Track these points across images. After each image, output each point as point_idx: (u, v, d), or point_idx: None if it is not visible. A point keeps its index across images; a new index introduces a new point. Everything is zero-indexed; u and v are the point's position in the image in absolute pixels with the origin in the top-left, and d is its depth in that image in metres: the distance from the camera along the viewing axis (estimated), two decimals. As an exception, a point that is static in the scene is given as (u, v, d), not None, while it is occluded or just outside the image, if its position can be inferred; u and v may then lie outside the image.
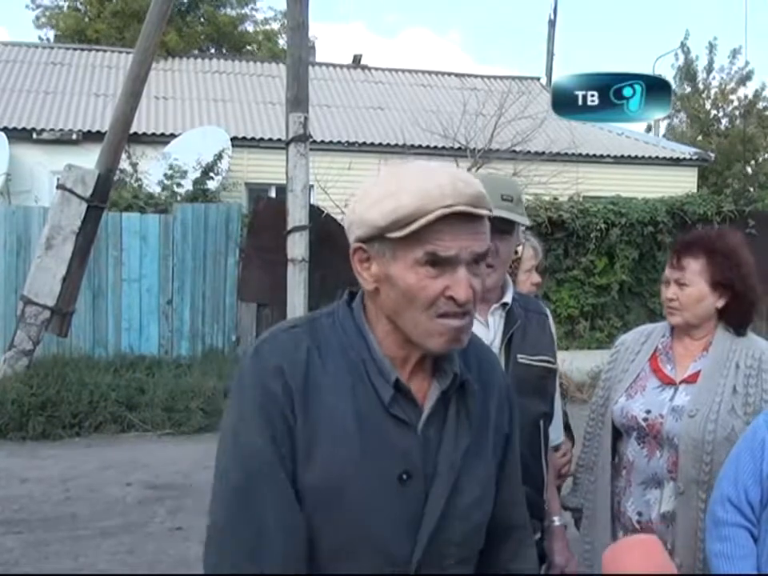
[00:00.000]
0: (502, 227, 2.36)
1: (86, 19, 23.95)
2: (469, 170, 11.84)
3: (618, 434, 2.82)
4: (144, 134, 15.07)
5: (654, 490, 2.68)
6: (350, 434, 1.49)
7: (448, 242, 1.46)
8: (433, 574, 1.53)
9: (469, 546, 1.61)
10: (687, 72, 25.02)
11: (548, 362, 2.50)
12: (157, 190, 12.73)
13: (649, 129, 23.04)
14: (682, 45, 25.13)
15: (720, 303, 2.71)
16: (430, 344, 1.52)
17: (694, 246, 2.73)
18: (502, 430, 1.69)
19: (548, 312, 2.66)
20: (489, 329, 2.44)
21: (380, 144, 15.91)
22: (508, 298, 2.49)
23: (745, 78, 24.49)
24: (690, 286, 2.70)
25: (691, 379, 2.71)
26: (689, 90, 25.15)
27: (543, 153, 14.91)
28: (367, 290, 1.57)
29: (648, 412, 2.70)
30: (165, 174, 12.78)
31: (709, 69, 24.95)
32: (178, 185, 12.69)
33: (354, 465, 1.48)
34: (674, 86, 24.01)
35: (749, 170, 23.57)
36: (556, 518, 2.69)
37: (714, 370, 2.68)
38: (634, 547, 1.61)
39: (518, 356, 2.42)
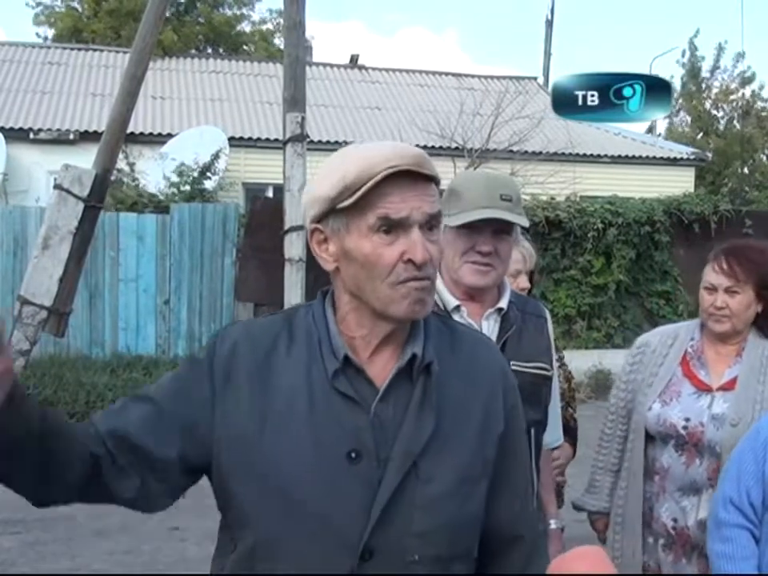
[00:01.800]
0: (501, 227, 2.34)
1: (83, 18, 23.93)
2: (466, 169, 11.84)
3: (649, 438, 2.80)
4: (141, 133, 15.07)
5: (692, 497, 2.67)
6: (300, 410, 1.50)
7: (398, 203, 1.48)
8: (394, 571, 1.49)
9: (439, 543, 1.53)
10: (692, 70, 25.04)
11: (543, 368, 2.45)
12: (155, 190, 12.73)
13: (650, 130, 23.07)
14: (690, 42, 25.14)
15: (759, 309, 2.75)
16: (394, 310, 1.51)
17: (744, 254, 2.74)
18: (494, 428, 1.63)
19: (547, 315, 2.60)
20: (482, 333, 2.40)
21: (377, 144, 15.89)
22: (503, 303, 2.43)
23: (746, 80, 24.53)
24: (742, 293, 2.71)
25: (728, 386, 2.71)
26: (692, 89, 25.18)
27: (540, 153, 14.93)
28: (330, 272, 1.58)
29: (687, 420, 2.69)
30: (174, 172, 12.76)
31: (713, 70, 25.00)
32: (186, 183, 12.70)
33: (301, 439, 1.49)
34: (678, 85, 24.10)
35: (746, 170, 23.60)
36: (552, 522, 2.67)
37: (750, 376, 2.69)
38: (581, 558, 1.61)
39: (512, 363, 2.31)
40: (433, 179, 1.54)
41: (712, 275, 2.76)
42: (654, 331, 3.02)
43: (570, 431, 3.34)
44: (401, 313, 1.52)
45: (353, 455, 1.49)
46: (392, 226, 1.48)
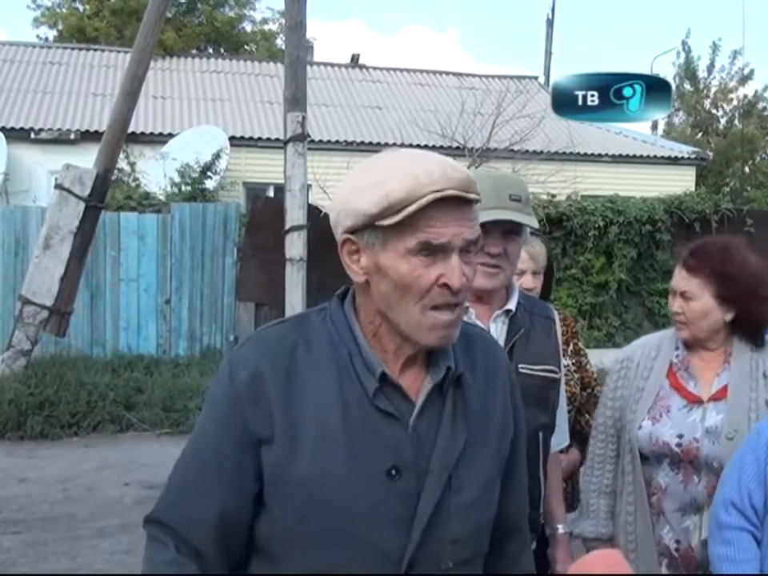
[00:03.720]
0: (510, 228, 2.31)
1: (86, 18, 23.92)
2: (468, 169, 11.82)
3: (644, 459, 2.64)
4: (142, 133, 15.07)
5: (693, 516, 2.53)
6: (336, 428, 1.47)
7: (439, 228, 1.44)
8: (430, 574, 1.51)
9: (468, 547, 1.56)
10: (687, 70, 25.01)
11: (551, 371, 2.41)
12: (155, 189, 12.73)
13: (654, 127, 23.05)
14: (683, 43, 25.14)
15: (729, 317, 2.57)
16: (420, 337, 1.49)
17: (699, 259, 2.59)
18: (509, 429, 1.66)
19: (555, 317, 2.54)
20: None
21: (378, 143, 15.89)
22: (512, 305, 2.39)
23: (746, 78, 24.50)
24: (695, 300, 2.57)
25: (719, 396, 2.56)
26: (689, 88, 25.14)
27: (541, 152, 14.93)
28: (357, 283, 1.54)
29: (680, 437, 2.54)
30: (177, 171, 12.76)
31: (710, 69, 24.96)
32: (187, 183, 12.71)
33: (339, 458, 1.46)
34: (673, 85, 24.00)
35: (747, 169, 23.58)
36: (560, 526, 2.63)
37: (741, 384, 2.54)
38: (599, 560, 1.61)
39: (520, 365, 2.33)
40: (476, 201, 1.51)
41: (673, 278, 2.66)
42: (635, 344, 2.86)
43: (582, 438, 3.28)
44: (425, 341, 1.50)
45: (393, 472, 1.48)
46: (431, 250, 1.45)
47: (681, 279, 2.62)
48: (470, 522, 1.56)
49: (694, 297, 2.58)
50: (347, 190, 1.52)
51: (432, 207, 1.43)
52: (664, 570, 2.61)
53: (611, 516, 2.76)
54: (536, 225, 2.37)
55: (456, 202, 1.46)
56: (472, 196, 1.48)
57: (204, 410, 1.60)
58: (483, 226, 2.26)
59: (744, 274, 2.56)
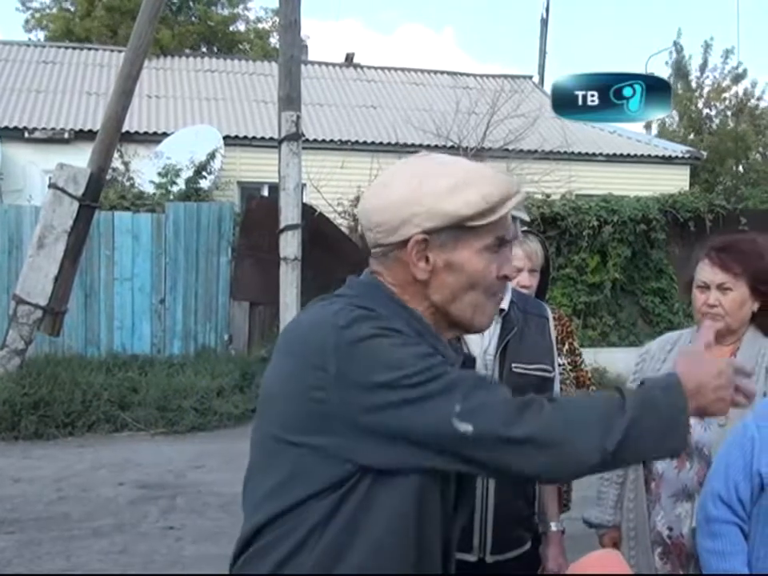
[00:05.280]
0: None
1: (76, 19, 23.86)
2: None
3: None
4: (136, 132, 15.03)
5: (685, 503, 2.59)
6: None
7: (508, 225, 1.61)
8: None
9: None
10: (678, 70, 25.04)
11: (545, 370, 2.41)
12: (149, 189, 12.71)
13: (648, 126, 23.07)
14: (675, 43, 25.16)
15: (756, 306, 2.64)
16: (479, 323, 1.63)
17: (734, 250, 2.64)
18: None
19: (549, 315, 2.56)
20: (483, 336, 2.35)
21: (373, 143, 15.89)
22: (505, 304, 2.39)
23: (739, 77, 24.52)
24: (734, 290, 2.61)
25: None
26: (681, 89, 25.17)
27: (535, 151, 14.92)
28: (420, 280, 1.57)
29: None
30: (159, 173, 12.75)
31: (703, 68, 24.99)
32: (173, 183, 12.68)
33: None
34: (667, 85, 23.98)
35: (740, 167, 23.62)
36: (553, 524, 2.64)
37: None
38: (598, 561, 1.62)
39: (513, 365, 2.34)
40: None
41: (703, 272, 2.66)
42: (659, 338, 2.95)
43: None
44: (482, 326, 1.66)
45: None
46: (501, 245, 1.60)
47: (716, 272, 2.64)
48: None
49: (733, 287, 2.62)
50: (423, 193, 1.54)
51: None
52: (657, 559, 2.66)
53: (619, 505, 2.85)
54: (526, 218, 2.38)
55: None
56: None
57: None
58: None
59: None
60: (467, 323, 1.62)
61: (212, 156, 13.70)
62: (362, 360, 1.44)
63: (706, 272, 2.66)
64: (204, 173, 13.44)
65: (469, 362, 1.71)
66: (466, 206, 1.52)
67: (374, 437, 1.43)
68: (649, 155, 17.64)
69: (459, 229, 1.54)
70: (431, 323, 1.60)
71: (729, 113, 24.75)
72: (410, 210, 1.54)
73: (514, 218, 2.31)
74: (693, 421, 2.56)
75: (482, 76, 20.91)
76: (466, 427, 1.41)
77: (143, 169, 13.42)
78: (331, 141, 16.05)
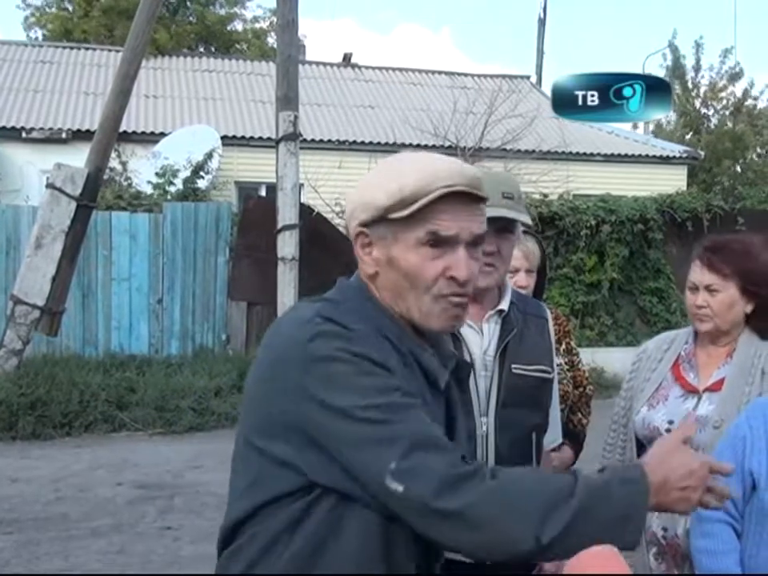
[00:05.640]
0: (503, 226, 2.30)
1: (74, 19, 23.83)
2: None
3: (641, 446, 2.70)
4: (134, 132, 15.03)
5: None
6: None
7: (449, 221, 1.52)
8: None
9: None
10: (675, 70, 25.04)
11: (544, 371, 2.40)
12: (147, 189, 12.71)
13: (635, 126, 23.06)
14: (670, 44, 25.16)
15: (749, 308, 2.63)
16: (432, 323, 1.57)
17: (724, 251, 2.63)
18: None
19: (548, 316, 2.54)
20: (483, 336, 2.35)
21: (370, 143, 15.90)
22: (505, 305, 2.38)
23: (735, 77, 24.51)
24: (722, 291, 2.61)
25: (715, 387, 2.61)
26: (678, 89, 25.17)
27: (533, 151, 14.94)
28: (368, 275, 1.59)
29: (671, 423, 2.60)
30: (157, 174, 12.75)
31: (696, 68, 24.98)
32: (170, 183, 12.68)
33: None
34: (662, 85, 23.98)
35: (738, 167, 23.63)
36: None
37: (738, 377, 2.59)
38: (594, 558, 1.61)
39: (513, 366, 2.33)
40: (484, 200, 1.60)
41: (693, 273, 2.67)
42: (656, 337, 2.95)
43: (574, 436, 3.30)
44: (438, 326, 1.58)
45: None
46: (439, 242, 1.52)
47: (704, 273, 2.64)
48: None
49: (720, 289, 2.61)
50: (363, 186, 1.60)
51: (443, 201, 1.51)
52: (651, 559, 2.67)
53: None
54: (529, 221, 2.37)
55: (466, 199, 1.54)
56: (481, 193, 1.57)
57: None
58: None
59: (765, 265, 2.62)
60: (422, 324, 1.57)
61: (209, 156, 13.71)
62: (320, 378, 1.43)
63: (696, 273, 2.67)
64: (201, 173, 13.44)
65: (463, 365, 1.71)
66: (384, 195, 1.51)
67: (321, 454, 1.42)
68: (646, 155, 17.65)
69: (391, 222, 1.52)
70: (406, 325, 1.58)
71: (726, 112, 24.75)
72: (352, 205, 1.60)
73: (507, 221, 2.33)
74: None
75: (479, 76, 20.91)
76: (396, 486, 1.36)
77: (141, 169, 13.43)
78: (329, 141, 16.05)
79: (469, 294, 1.57)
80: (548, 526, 1.36)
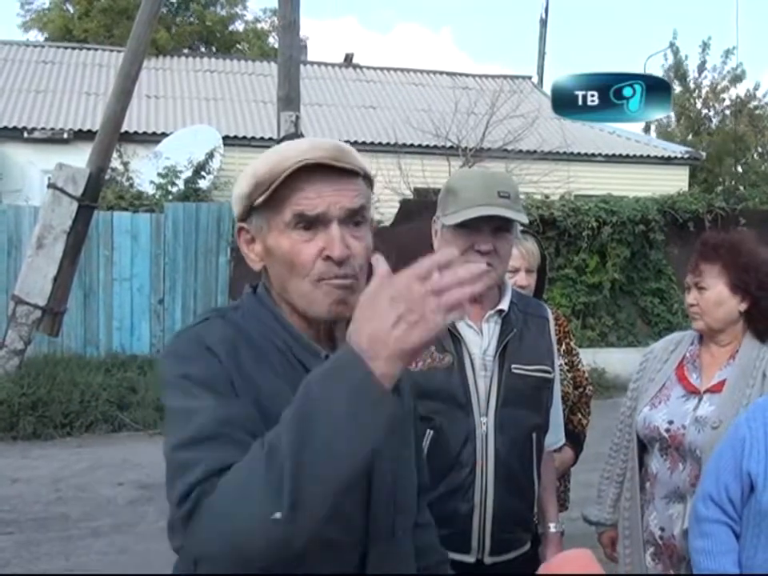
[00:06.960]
0: (500, 225, 2.29)
1: (75, 19, 23.84)
2: (461, 168, 11.84)
3: (643, 446, 2.74)
4: (135, 132, 15.04)
5: (677, 504, 2.60)
6: None
7: (313, 199, 1.45)
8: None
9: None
10: (677, 71, 25.03)
11: (544, 371, 2.39)
12: (148, 189, 12.71)
13: (647, 128, 23.07)
14: (671, 44, 25.15)
15: (743, 306, 2.64)
16: (316, 310, 1.48)
17: (711, 249, 2.67)
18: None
19: (549, 315, 2.53)
20: (482, 336, 2.34)
21: (372, 143, 15.88)
22: (504, 305, 2.37)
23: (737, 78, 24.50)
24: (708, 289, 2.65)
25: (716, 388, 2.63)
26: (679, 89, 25.16)
27: (534, 152, 14.94)
28: (256, 270, 1.56)
29: (670, 422, 2.62)
30: (159, 174, 12.75)
31: (701, 68, 24.97)
32: (173, 184, 12.68)
33: None
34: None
35: (739, 168, 23.62)
36: (552, 525, 2.62)
37: (739, 379, 2.60)
38: (568, 560, 1.61)
39: (513, 366, 2.32)
40: (356, 173, 1.50)
41: (688, 274, 2.73)
42: (664, 338, 2.97)
43: (574, 437, 3.30)
44: (323, 313, 1.48)
45: None
46: (310, 222, 1.45)
47: (695, 272, 2.69)
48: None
49: (707, 287, 2.65)
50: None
51: (301, 179, 1.44)
52: (648, 559, 2.67)
53: (618, 504, 2.86)
54: (525, 221, 2.36)
55: (328, 172, 1.46)
56: (343, 164, 1.47)
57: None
58: (473, 223, 2.26)
59: (755, 262, 2.64)
60: (307, 312, 1.48)
61: (211, 156, 13.71)
62: (161, 384, 1.44)
63: (689, 272, 2.72)
64: (203, 173, 13.45)
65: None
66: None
67: None
68: (648, 156, 17.65)
69: (259, 210, 1.49)
70: (296, 320, 1.51)
71: (728, 112, 24.74)
72: (231, 204, 1.59)
73: (503, 220, 2.31)
74: (688, 422, 2.58)
75: (481, 76, 20.91)
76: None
77: (142, 169, 13.43)
78: (330, 141, 16.03)
79: (351, 274, 1.46)
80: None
